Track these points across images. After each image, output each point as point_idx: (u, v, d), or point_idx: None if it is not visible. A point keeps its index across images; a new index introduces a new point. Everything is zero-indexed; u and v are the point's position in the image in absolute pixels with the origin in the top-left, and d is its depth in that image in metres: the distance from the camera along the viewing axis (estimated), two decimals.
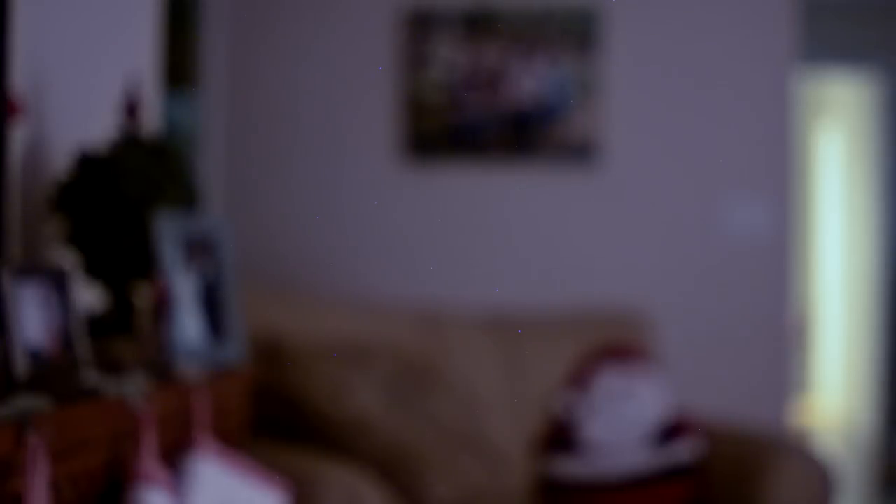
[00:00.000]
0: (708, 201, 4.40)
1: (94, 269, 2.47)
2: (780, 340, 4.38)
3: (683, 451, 3.02)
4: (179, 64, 4.53)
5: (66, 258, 2.53)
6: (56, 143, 2.67)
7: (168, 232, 1.97)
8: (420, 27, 4.42)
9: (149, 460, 1.55)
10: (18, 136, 2.36)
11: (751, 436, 2.98)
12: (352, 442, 2.54)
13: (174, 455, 1.75)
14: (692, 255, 4.40)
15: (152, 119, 3.11)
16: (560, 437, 3.11)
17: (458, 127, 4.40)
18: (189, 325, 1.97)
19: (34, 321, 1.56)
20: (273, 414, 2.65)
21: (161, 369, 1.76)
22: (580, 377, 3.23)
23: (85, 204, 2.44)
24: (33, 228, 2.55)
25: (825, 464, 2.84)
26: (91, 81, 2.88)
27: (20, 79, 2.43)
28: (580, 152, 4.39)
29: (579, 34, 4.39)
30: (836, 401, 9.61)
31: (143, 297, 2.47)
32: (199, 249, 2.03)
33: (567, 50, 4.39)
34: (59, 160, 2.66)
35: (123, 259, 2.43)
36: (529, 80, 4.41)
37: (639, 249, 4.41)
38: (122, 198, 2.43)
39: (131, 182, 2.42)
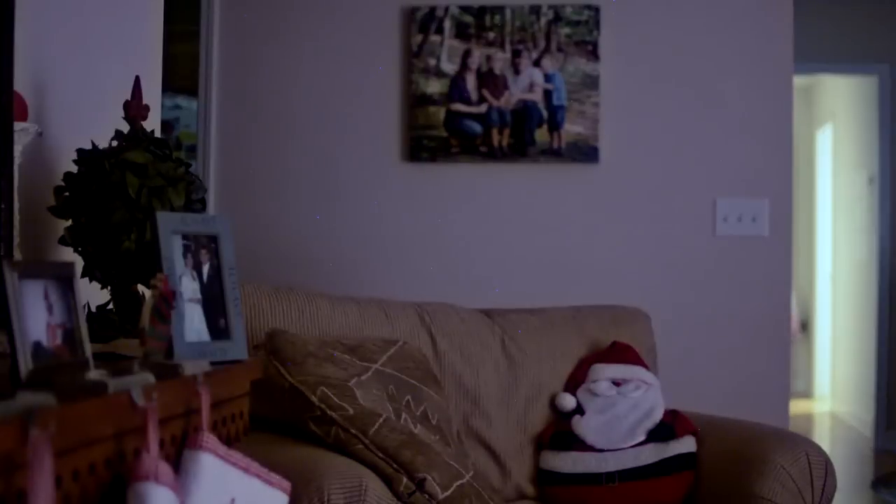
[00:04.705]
0: (707, 201, 4.40)
1: (97, 268, 2.49)
2: (779, 340, 4.39)
3: (682, 448, 3.03)
4: (181, 64, 4.54)
5: (69, 257, 2.54)
6: (58, 143, 2.68)
7: (170, 231, 1.98)
8: (420, 26, 4.43)
9: (152, 457, 1.56)
10: (22, 136, 2.37)
11: (749, 433, 2.99)
12: (352, 441, 2.55)
13: (177, 451, 1.76)
14: (692, 255, 4.40)
15: (153, 119, 3.12)
16: (560, 435, 3.12)
17: (457, 126, 4.41)
18: (191, 323, 1.99)
19: (38, 319, 1.57)
20: (272, 413, 2.66)
21: (163, 367, 1.77)
22: (580, 376, 3.24)
23: (87, 204, 2.46)
24: (37, 227, 2.56)
25: (823, 462, 2.85)
26: (93, 83, 2.89)
27: (23, 80, 2.44)
28: (580, 152, 4.40)
29: (579, 34, 4.40)
30: (836, 400, 9.61)
31: (145, 295, 2.49)
32: (201, 248, 2.04)
33: (567, 50, 4.40)
34: (62, 160, 2.67)
35: (126, 258, 2.45)
36: (529, 80, 4.42)
37: (639, 249, 4.42)
38: (124, 197, 2.44)
39: (133, 182, 2.44)
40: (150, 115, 2.73)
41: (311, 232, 4.48)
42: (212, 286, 2.04)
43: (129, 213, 2.43)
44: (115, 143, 2.55)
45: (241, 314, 2.08)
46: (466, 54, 4.42)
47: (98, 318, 2.45)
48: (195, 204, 2.57)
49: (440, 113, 4.42)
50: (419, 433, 2.66)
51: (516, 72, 4.41)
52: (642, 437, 3.07)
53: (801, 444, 2.87)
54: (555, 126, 4.40)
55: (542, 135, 4.40)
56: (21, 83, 2.39)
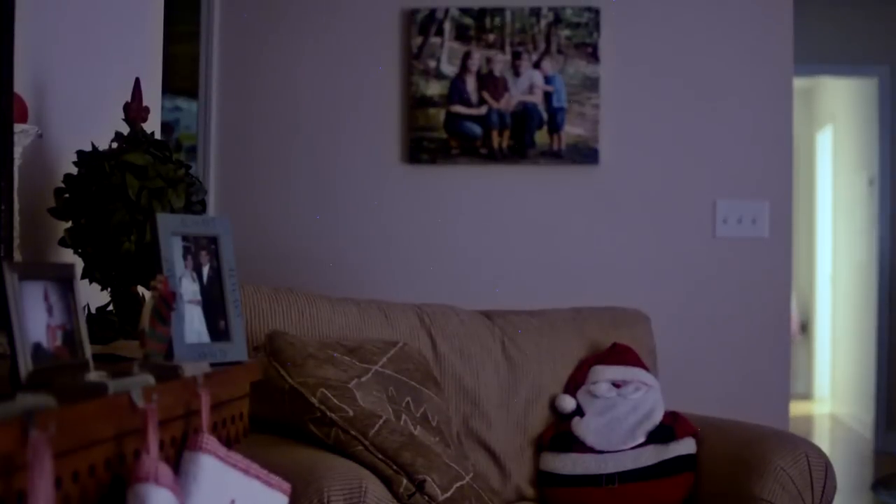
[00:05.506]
0: (707, 202, 4.41)
1: (97, 269, 2.49)
2: (779, 341, 4.39)
3: (682, 449, 3.04)
4: (181, 65, 4.54)
5: (69, 258, 2.55)
6: (58, 144, 2.68)
7: (170, 232, 1.98)
8: (420, 28, 4.43)
9: (152, 458, 1.56)
10: (22, 137, 2.37)
11: (749, 435, 2.99)
12: (352, 443, 2.55)
13: (177, 453, 1.76)
14: (692, 257, 4.40)
15: (154, 121, 3.12)
16: (560, 436, 3.12)
17: (457, 128, 4.42)
18: (191, 325, 1.99)
19: (38, 320, 1.57)
20: (272, 414, 2.66)
21: (163, 368, 1.77)
22: (580, 378, 3.24)
23: (87, 205, 2.46)
24: (37, 229, 2.57)
25: (823, 463, 2.86)
26: (93, 84, 2.90)
27: (23, 81, 2.44)
28: (580, 154, 4.40)
29: (579, 36, 4.40)
30: (836, 402, 9.61)
31: (145, 296, 2.49)
32: (201, 250, 2.04)
33: (567, 52, 4.40)
34: (62, 162, 2.67)
35: (126, 259, 2.45)
36: (529, 82, 4.42)
37: (638, 250, 4.42)
38: (124, 199, 2.44)
39: (133, 183, 2.44)
40: (150, 116, 2.73)
41: (311, 233, 4.48)
42: (212, 288, 2.04)
43: (129, 215, 2.43)
44: (115, 145, 2.55)
45: (241, 315, 2.08)
46: (466, 56, 4.42)
47: (98, 319, 2.45)
48: (195, 205, 2.57)
49: (440, 115, 4.42)
50: (419, 435, 2.66)
51: (516, 74, 4.42)
52: (642, 439, 3.07)
53: (800, 446, 2.87)
54: (555, 128, 4.40)
55: (542, 137, 4.40)
56: (21, 85, 2.40)
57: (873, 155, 7.96)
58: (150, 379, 1.65)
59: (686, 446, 3.05)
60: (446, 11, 4.42)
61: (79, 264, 2.49)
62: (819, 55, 7.64)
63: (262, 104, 4.51)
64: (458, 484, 2.59)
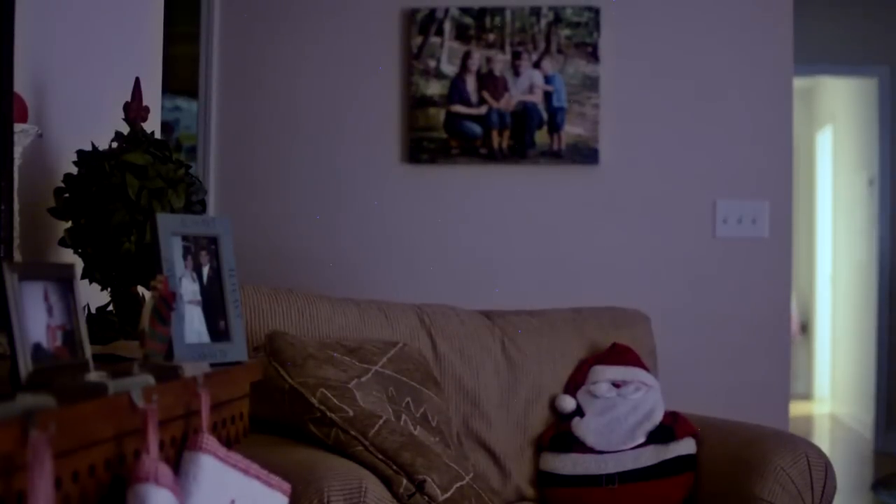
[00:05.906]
0: (707, 202, 4.40)
1: (97, 269, 2.49)
2: (779, 341, 4.39)
3: (682, 450, 3.03)
4: (181, 66, 4.54)
5: (69, 258, 2.55)
6: (58, 144, 2.68)
7: (169, 232, 1.98)
8: (420, 28, 4.43)
9: (152, 458, 1.56)
10: (22, 137, 2.37)
11: (749, 435, 2.99)
12: (352, 443, 2.55)
13: (177, 453, 1.76)
14: (692, 257, 4.40)
15: (154, 121, 3.12)
16: (560, 436, 3.12)
17: (457, 128, 4.41)
18: (190, 325, 1.99)
19: (38, 320, 1.57)
20: (272, 415, 2.66)
21: (163, 368, 1.77)
22: (580, 378, 3.24)
23: (87, 205, 2.46)
24: (37, 229, 2.56)
25: (823, 463, 2.85)
26: (93, 84, 2.89)
27: (23, 81, 2.44)
28: (580, 154, 4.40)
29: (579, 36, 4.40)
30: (836, 402, 9.60)
31: (145, 297, 2.49)
32: (201, 250, 2.04)
33: (567, 51, 4.40)
34: (62, 162, 2.67)
35: (126, 259, 2.45)
36: (529, 81, 4.42)
37: (638, 250, 4.42)
38: (124, 199, 2.44)
39: (133, 183, 2.44)
40: (150, 116, 2.73)
41: (311, 232, 4.48)
42: (212, 288, 2.04)
43: (129, 215, 2.43)
44: (115, 145, 2.55)
45: (241, 316, 2.08)
46: (466, 56, 4.42)
47: (98, 319, 2.45)
48: (195, 205, 2.57)
49: (440, 114, 4.42)
50: (419, 435, 2.66)
51: (516, 73, 4.42)
52: (642, 439, 3.07)
53: (800, 446, 2.87)
54: (555, 128, 4.40)
55: (541, 136, 4.40)
56: (21, 84, 2.39)
57: (873, 155, 7.96)
58: (150, 379, 1.65)
59: (686, 446, 3.04)
60: (446, 11, 4.42)
61: (79, 264, 2.48)
62: (819, 55, 7.64)
63: (262, 104, 4.51)
64: (458, 484, 2.59)
